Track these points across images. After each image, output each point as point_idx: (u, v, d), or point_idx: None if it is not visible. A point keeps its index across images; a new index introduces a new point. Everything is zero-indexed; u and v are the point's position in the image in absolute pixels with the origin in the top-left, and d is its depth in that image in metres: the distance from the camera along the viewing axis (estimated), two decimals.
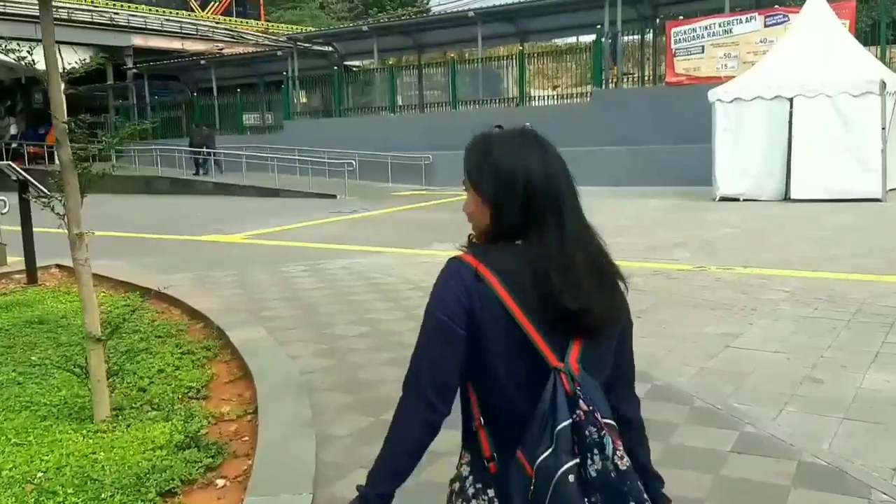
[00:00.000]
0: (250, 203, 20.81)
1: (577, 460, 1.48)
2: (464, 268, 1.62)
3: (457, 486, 1.73)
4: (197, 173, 26.49)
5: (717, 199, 16.15)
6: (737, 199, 15.88)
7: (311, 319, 7.36)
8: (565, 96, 24.50)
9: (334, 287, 8.96)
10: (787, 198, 15.51)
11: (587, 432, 1.49)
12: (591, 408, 1.51)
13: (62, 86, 4.66)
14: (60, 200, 4.69)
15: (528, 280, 1.58)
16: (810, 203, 14.81)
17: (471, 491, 1.68)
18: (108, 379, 4.84)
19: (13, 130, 36.39)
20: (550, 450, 1.48)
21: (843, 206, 14.23)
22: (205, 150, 26.18)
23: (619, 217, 14.64)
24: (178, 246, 13.22)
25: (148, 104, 32.66)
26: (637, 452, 1.71)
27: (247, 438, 4.49)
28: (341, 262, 10.40)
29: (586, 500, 1.48)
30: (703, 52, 20.21)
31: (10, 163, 9.63)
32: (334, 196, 20.91)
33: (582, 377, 1.55)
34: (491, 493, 1.65)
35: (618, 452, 1.52)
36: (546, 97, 25.11)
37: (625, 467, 1.53)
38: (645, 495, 1.56)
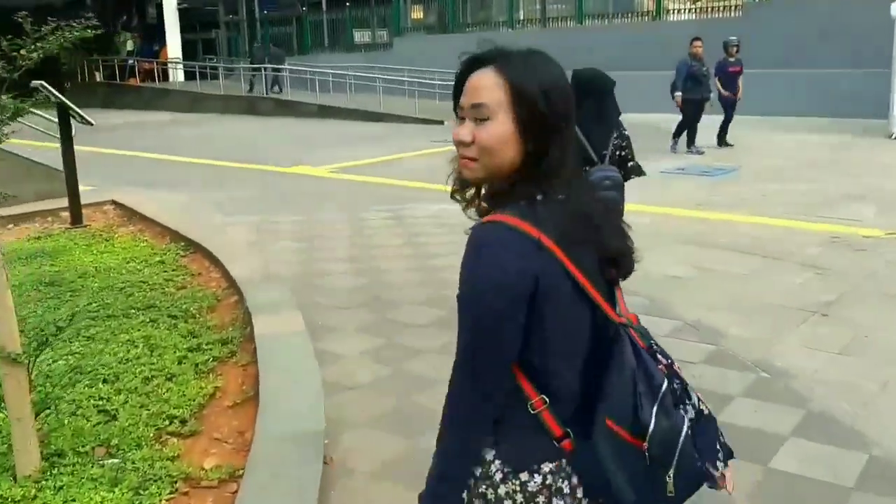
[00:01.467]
0: (351, 128, 19.24)
1: (683, 412, 1.42)
2: (518, 237, 1.33)
3: (479, 470, 1.45)
4: (252, 90, 25.35)
5: (894, 136, 13.34)
6: None
7: (375, 294, 5.67)
8: (709, 10, 21.41)
9: (415, 245, 7.23)
10: None
11: (675, 385, 1.43)
12: (669, 360, 1.45)
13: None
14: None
15: (575, 234, 1.37)
16: None
17: (498, 476, 1.44)
18: (38, 414, 3.31)
19: (129, 46, 36.10)
20: (656, 411, 1.36)
21: None
22: (266, 68, 24.93)
23: (774, 155, 12.21)
24: (257, 178, 11.80)
25: (257, 19, 31.42)
26: None
27: None
28: (431, 209, 8.62)
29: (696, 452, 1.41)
30: None
31: (43, 82, 8.30)
32: (441, 122, 19.05)
33: (641, 328, 1.46)
34: (524, 476, 1.43)
35: (699, 396, 1.48)
36: (685, 11, 22.10)
37: (708, 411, 1.48)
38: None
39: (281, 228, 8.04)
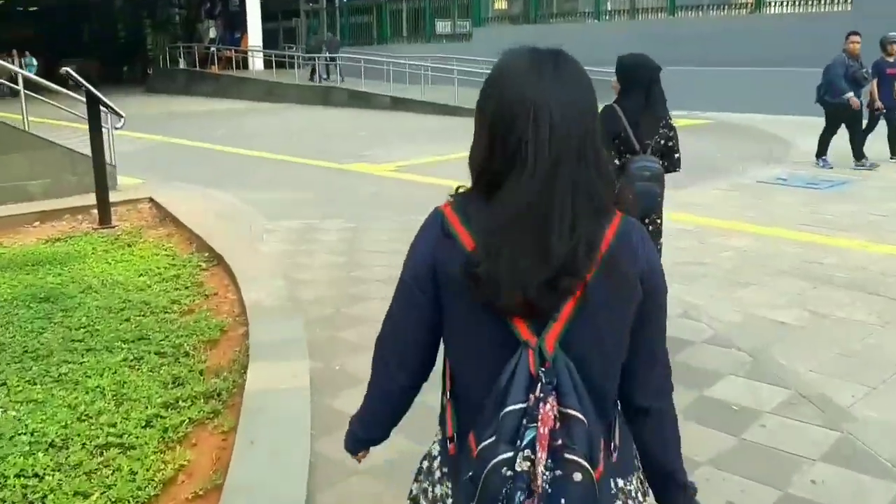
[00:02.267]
0: (422, 122, 18.34)
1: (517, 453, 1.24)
2: (436, 220, 1.42)
3: (425, 464, 1.56)
4: (312, 78, 25.07)
5: None
6: None
7: None
8: (814, 2, 19.64)
9: None
10: None
11: (524, 421, 1.24)
12: (542, 394, 1.25)
13: None
14: None
15: (499, 232, 1.30)
16: None
17: (437, 474, 1.50)
18: None
19: (212, 34, 36.08)
20: (494, 437, 1.24)
21: None
22: (323, 56, 24.73)
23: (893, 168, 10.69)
24: (315, 176, 11.00)
25: (337, 8, 30.85)
26: (650, 447, 1.48)
27: None
28: None
29: (519, 500, 1.21)
30: None
31: (69, 69, 7.65)
32: None
33: (556, 357, 1.29)
34: (452, 482, 1.45)
35: (541, 456, 1.21)
36: (787, 3, 20.38)
37: (522, 468, 1.22)
38: None
39: (324, 238, 7.17)
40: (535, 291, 1.26)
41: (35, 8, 40.82)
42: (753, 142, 13.57)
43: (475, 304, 1.31)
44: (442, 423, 1.49)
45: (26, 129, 9.28)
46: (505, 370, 1.28)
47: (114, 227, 7.43)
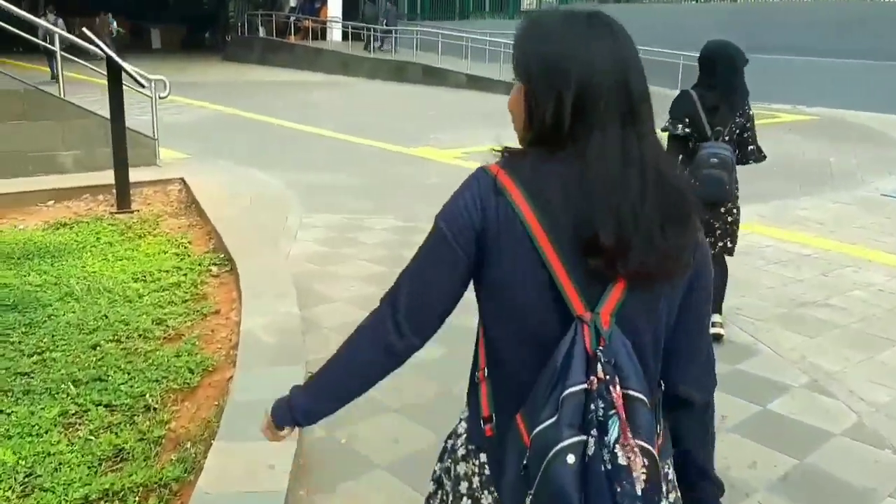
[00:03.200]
0: (498, 102, 17.02)
1: (586, 438, 1.13)
2: (483, 177, 1.30)
3: (450, 442, 1.48)
4: (367, 48, 24.69)
5: None
6: None
7: (456, 384, 3.60)
8: None
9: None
10: None
11: (593, 406, 1.14)
12: (608, 376, 1.16)
13: None
14: None
15: (561, 201, 1.23)
16: None
17: (461, 452, 1.42)
18: None
19: (293, 2, 35.40)
20: (553, 419, 1.15)
21: None
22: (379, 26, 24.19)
23: None
24: (373, 158, 9.95)
25: None
26: (687, 443, 1.41)
27: None
28: None
29: (582, 490, 1.12)
30: None
31: (86, 30, 6.72)
32: None
33: (612, 334, 1.21)
34: (483, 457, 1.37)
35: (626, 443, 1.13)
36: None
37: (625, 462, 1.12)
38: None
39: (366, 240, 6.10)
40: (651, 254, 1.21)
41: None
42: (872, 145, 11.91)
43: (532, 271, 1.24)
44: (473, 401, 1.40)
45: (61, 94, 8.51)
46: (559, 348, 1.20)
47: (133, 212, 6.52)
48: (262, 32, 32.35)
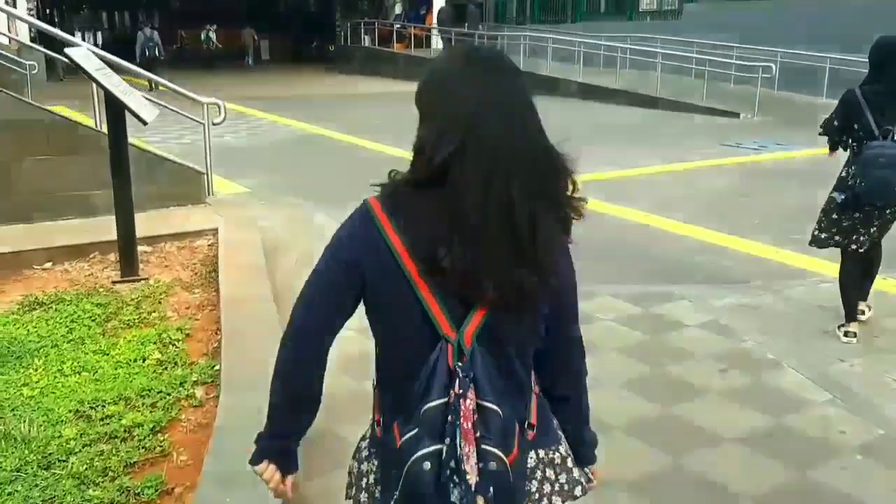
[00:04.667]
0: (615, 115, 15.12)
1: (442, 447, 1.31)
2: (362, 209, 1.45)
3: (361, 444, 1.63)
4: None
5: None
6: None
7: None
8: None
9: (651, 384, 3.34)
10: None
11: (450, 417, 1.32)
12: (462, 390, 1.33)
13: None
14: None
15: (426, 231, 1.36)
16: None
17: (364, 453, 1.59)
18: None
19: (398, 10, 34.34)
20: (416, 430, 1.33)
21: None
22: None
23: None
24: None
25: None
26: (566, 422, 1.62)
27: None
28: (718, 305, 4.57)
29: (436, 490, 1.32)
30: None
31: (90, 46, 5.33)
32: (736, 115, 14.40)
33: (473, 351, 1.37)
34: (377, 462, 1.54)
35: (464, 451, 1.30)
36: None
37: (464, 464, 1.30)
38: None
39: None
40: (506, 287, 1.34)
41: None
42: None
43: (405, 297, 1.37)
44: (373, 406, 1.54)
45: (97, 126, 7.31)
46: (426, 364, 1.35)
47: (139, 280, 5.10)
48: (366, 41, 31.41)
